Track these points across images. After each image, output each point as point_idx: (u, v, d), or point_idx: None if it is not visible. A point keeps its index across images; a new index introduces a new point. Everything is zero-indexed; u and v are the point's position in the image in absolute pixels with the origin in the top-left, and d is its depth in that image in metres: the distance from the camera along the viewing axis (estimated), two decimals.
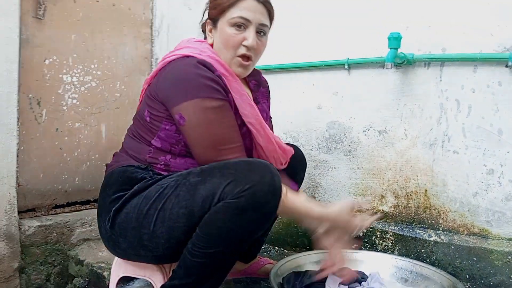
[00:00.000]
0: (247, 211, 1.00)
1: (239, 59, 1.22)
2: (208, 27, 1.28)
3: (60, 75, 1.86)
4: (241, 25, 1.20)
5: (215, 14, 1.24)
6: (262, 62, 2.02)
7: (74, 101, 1.92)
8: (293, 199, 1.14)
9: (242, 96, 1.23)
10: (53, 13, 1.83)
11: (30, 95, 1.76)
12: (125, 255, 1.21)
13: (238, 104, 1.22)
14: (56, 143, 1.87)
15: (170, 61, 1.20)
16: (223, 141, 1.13)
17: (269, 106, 1.49)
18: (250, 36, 1.20)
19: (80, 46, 1.94)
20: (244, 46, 1.21)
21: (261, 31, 1.24)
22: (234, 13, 1.19)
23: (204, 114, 1.11)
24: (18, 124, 1.66)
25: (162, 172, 1.19)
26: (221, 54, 1.23)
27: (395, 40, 1.52)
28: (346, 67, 1.76)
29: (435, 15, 1.58)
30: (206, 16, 1.31)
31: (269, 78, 1.98)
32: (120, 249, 1.18)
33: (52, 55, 1.83)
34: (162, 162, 1.20)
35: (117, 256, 1.25)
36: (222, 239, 1.03)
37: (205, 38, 1.32)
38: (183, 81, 1.14)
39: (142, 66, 2.23)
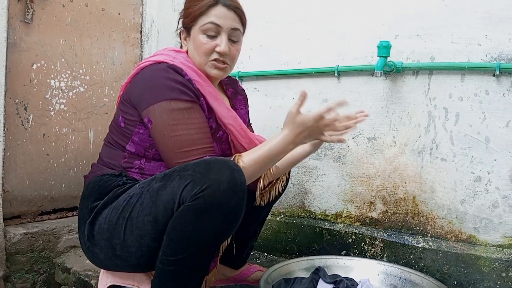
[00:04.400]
0: (207, 212, 0.97)
1: (214, 62, 1.24)
2: (182, 36, 1.31)
3: (48, 80, 1.84)
4: (211, 31, 1.22)
5: (187, 22, 1.26)
6: (251, 68, 2.04)
7: (62, 106, 1.90)
8: (248, 156, 1.13)
9: (218, 100, 1.25)
10: (42, 18, 1.80)
11: (17, 100, 1.73)
12: (104, 266, 1.21)
13: (215, 107, 1.23)
14: (43, 148, 1.84)
15: (143, 67, 1.21)
16: (189, 143, 1.11)
17: (248, 113, 1.52)
18: (222, 42, 1.22)
19: (69, 51, 1.92)
20: (217, 52, 1.23)
21: (233, 37, 1.26)
22: (206, 20, 1.22)
23: (170, 115, 1.11)
24: (4, 130, 1.64)
25: (136, 177, 1.20)
26: (195, 60, 1.25)
27: (384, 49, 1.54)
28: (336, 74, 1.77)
29: (424, 24, 1.61)
30: (180, 24, 1.33)
31: (259, 85, 2.00)
32: (99, 259, 1.17)
33: (40, 60, 1.81)
34: (137, 166, 1.21)
35: (97, 267, 1.23)
36: (187, 245, 1.01)
37: (181, 46, 1.34)
38: (151, 85, 1.15)
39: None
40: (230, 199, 0.98)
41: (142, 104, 1.15)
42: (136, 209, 1.06)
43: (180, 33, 1.33)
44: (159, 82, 1.14)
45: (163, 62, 1.19)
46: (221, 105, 1.25)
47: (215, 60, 1.23)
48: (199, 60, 1.24)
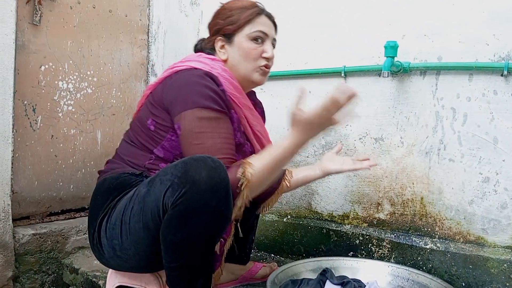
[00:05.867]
0: (190, 217, 0.95)
1: (263, 67, 1.29)
2: (219, 44, 1.31)
3: (56, 82, 1.85)
4: (258, 38, 1.28)
5: (231, 30, 1.28)
6: None
7: (70, 107, 1.91)
8: (258, 161, 1.07)
9: (251, 110, 1.30)
10: (49, 20, 1.82)
11: (25, 102, 1.74)
12: (109, 265, 1.21)
13: (247, 116, 1.28)
14: (51, 150, 1.85)
15: (178, 71, 1.21)
16: (211, 151, 1.09)
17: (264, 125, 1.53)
18: (268, 48, 1.29)
19: (76, 53, 1.93)
20: (264, 58, 1.28)
21: (273, 44, 1.34)
22: (254, 28, 1.27)
23: (198, 123, 1.11)
24: (13, 131, 1.65)
25: None
26: (241, 67, 1.28)
27: (391, 49, 1.53)
28: (342, 74, 1.77)
29: (431, 24, 1.60)
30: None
31: (267, 86, 1.99)
32: (104, 258, 1.18)
33: (48, 62, 1.82)
34: None
35: (103, 265, 1.24)
36: (181, 252, 1.00)
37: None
38: (185, 91, 1.15)
39: (138, 72, 2.23)
40: (210, 200, 0.95)
41: (175, 109, 1.15)
42: (127, 214, 1.06)
43: (213, 41, 1.32)
44: (195, 89, 1.14)
45: (200, 69, 1.19)
46: (253, 114, 1.31)
47: (264, 66, 1.29)
48: (247, 66, 1.28)
